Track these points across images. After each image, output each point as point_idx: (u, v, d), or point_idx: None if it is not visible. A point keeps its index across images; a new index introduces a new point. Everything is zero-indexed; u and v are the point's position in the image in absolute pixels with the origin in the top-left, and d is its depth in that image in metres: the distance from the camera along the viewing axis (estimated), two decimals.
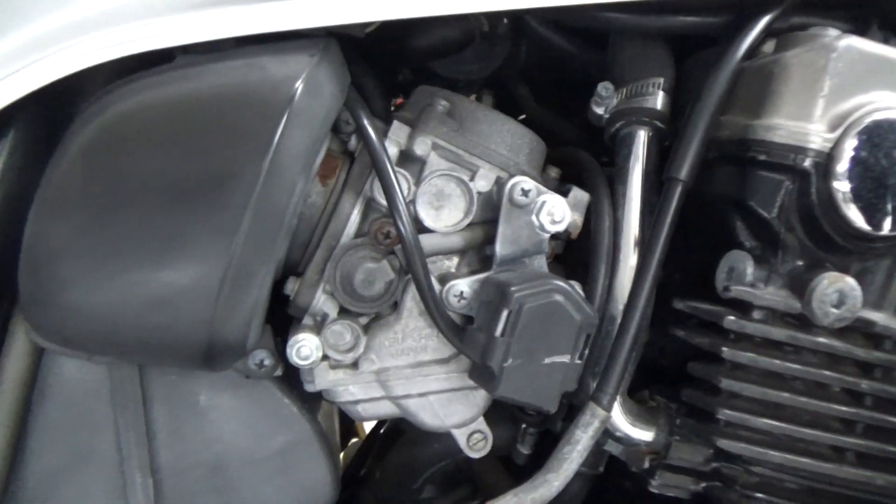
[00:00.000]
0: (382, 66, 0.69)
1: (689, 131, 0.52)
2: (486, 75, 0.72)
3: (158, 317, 0.49)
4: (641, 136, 0.57)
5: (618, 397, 0.54)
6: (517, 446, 0.68)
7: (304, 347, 0.53)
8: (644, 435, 0.55)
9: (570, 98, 0.75)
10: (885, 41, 0.60)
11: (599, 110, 0.60)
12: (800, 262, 0.50)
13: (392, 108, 0.79)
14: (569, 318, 0.49)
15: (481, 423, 0.58)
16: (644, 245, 0.54)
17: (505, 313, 0.48)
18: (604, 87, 0.59)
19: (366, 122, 0.52)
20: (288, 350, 0.54)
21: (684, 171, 0.52)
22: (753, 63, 0.53)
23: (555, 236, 0.57)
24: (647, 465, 0.55)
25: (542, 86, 0.81)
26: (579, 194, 0.57)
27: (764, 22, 0.53)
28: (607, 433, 0.55)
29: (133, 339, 0.50)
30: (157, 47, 0.50)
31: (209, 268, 0.49)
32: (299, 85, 0.49)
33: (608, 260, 0.55)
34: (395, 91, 0.78)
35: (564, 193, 0.57)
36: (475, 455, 0.58)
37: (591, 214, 0.57)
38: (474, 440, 0.58)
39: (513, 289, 0.48)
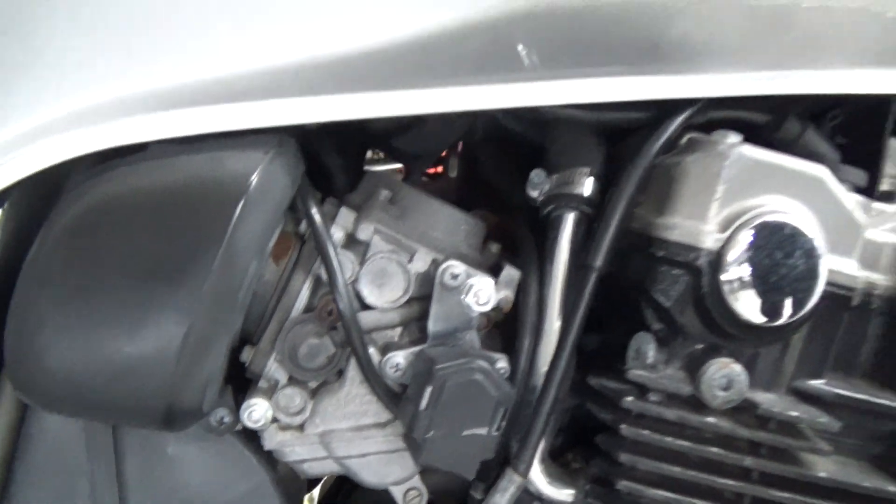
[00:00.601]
0: (348, 141, 0.76)
1: (604, 223, 0.58)
2: (445, 149, 0.78)
3: (124, 385, 0.56)
4: (569, 220, 0.63)
5: (540, 461, 0.60)
6: (470, 491, 0.74)
7: (255, 412, 0.59)
8: (563, 496, 0.60)
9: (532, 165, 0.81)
10: (803, 130, 0.66)
11: (534, 194, 0.66)
12: (698, 346, 0.55)
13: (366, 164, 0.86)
14: (487, 394, 0.54)
15: (417, 481, 0.64)
16: (569, 329, 0.59)
17: (429, 389, 0.54)
18: (536, 174, 0.65)
19: (313, 210, 0.58)
20: (241, 413, 0.60)
21: (598, 260, 0.57)
22: (663, 161, 0.58)
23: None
24: None
25: (505, 153, 0.87)
26: (511, 272, 0.63)
27: (678, 121, 0.59)
28: (531, 494, 0.60)
29: (101, 404, 0.56)
30: (131, 142, 0.57)
31: (169, 341, 0.55)
32: (253, 179, 0.55)
33: (532, 335, 0.60)
34: (368, 144, 0.84)
35: (500, 270, 0.63)
36: None
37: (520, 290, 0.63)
38: (410, 496, 0.63)
39: (437, 367, 0.54)
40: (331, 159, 0.70)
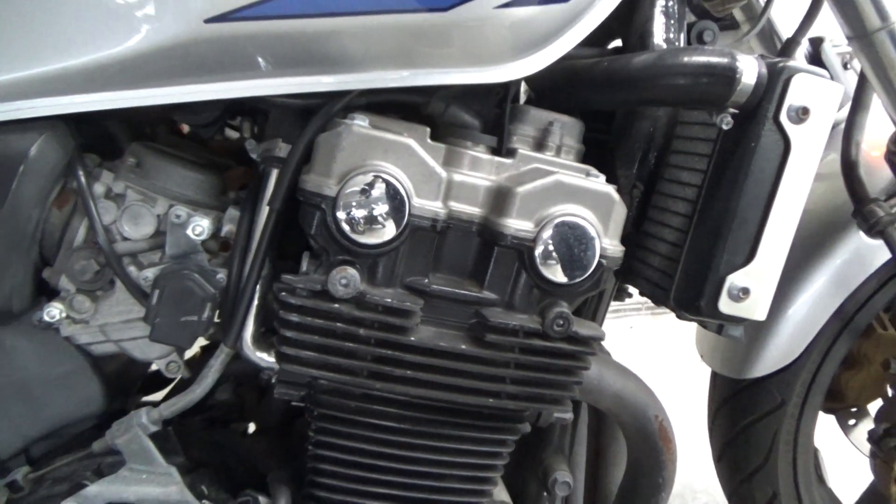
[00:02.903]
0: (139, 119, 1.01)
1: (280, 177, 0.85)
2: (214, 120, 1.04)
3: None
4: (273, 174, 0.89)
5: (252, 339, 0.89)
6: None
7: (51, 312, 0.87)
8: (267, 359, 0.89)
9: None
10: (446, 107, 0.93)
11: (253, 156, 0.93)
12: (336, 258, 0.83)
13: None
14: (194, 294, 0.83)
15: (175, 356, 0.93)
16: (259, 246, 0.87)
17: (157, 291, 0.83)
18: (248, 143, 0.92)
19: (80, 174, 0.85)
20: (42, 313, 0.87)
21: (275, 203, 0.85)
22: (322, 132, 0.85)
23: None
24: (273, 380, 0.90)
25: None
26: (233, 212, 0.91)
27: (334, 108, 0.85)
28: (250, 361, 0.90)
29: None
30: None
31: None
32: (30, 152, 0.82)
33: (240, 254, 0.88)
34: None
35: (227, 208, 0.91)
36: (172, 376, 0.93)
37: None
38: (171, 367, 0.93)
39: (160, 276, 0.83)
40: (120, 133, 0.96)
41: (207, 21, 0.76)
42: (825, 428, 1.59)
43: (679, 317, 1.01)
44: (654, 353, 2.82)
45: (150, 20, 0.77)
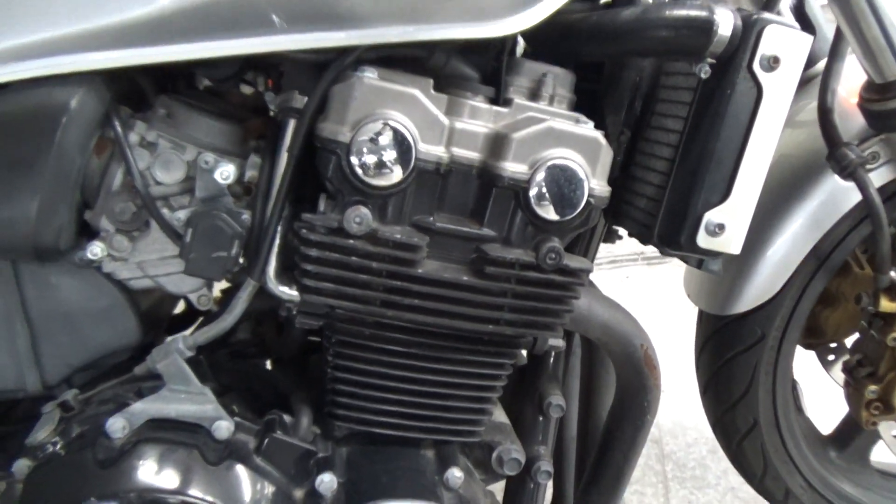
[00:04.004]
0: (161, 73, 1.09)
1: (297, 126, 0.94)
2: (232, 74, 1.11)
3: (6, 232, 0.92)
4: (290, 124, 0.98)
5: (274, 274, 0.98)
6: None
7: (94, 249, 0.97)
8: (288, 292, 0.99)
9: None
10: (447, 60, 1.01)
11: (271, 107, 1.01)
12: (351, 199, 0.92)
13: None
14: (223, 232, 0.92)
15: (205, 290, 1.03)
16: (280, 189, 0.96)
17: (189, 229, 0.92)
18: (268, 95, 1.00)
19: (117, 124, 0.93)
20: (85, 251, 0.97)
21: (295, 149, 0.94)
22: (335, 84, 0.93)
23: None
24: (294, 311, 1.00)
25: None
26: (255, 159, 0.99)
27: (345, 62, 0.93)
28: (273, 294, 0.99)
29: None
30: None
31: (28, 206, 0.91)
32: (72, 103, 0.90)
33: (262, 196, 0.97)
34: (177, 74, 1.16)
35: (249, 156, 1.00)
36: (203, 308, 1.03)
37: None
38: (202, 300, 1.03)
39: (193, 216, 0.92)
40: (147, 87, 1.04)
41: None
42: (806, 366, 1.70)
43: (662, 253, 1.11)
44: (649, 302, 2.93)
45: None
